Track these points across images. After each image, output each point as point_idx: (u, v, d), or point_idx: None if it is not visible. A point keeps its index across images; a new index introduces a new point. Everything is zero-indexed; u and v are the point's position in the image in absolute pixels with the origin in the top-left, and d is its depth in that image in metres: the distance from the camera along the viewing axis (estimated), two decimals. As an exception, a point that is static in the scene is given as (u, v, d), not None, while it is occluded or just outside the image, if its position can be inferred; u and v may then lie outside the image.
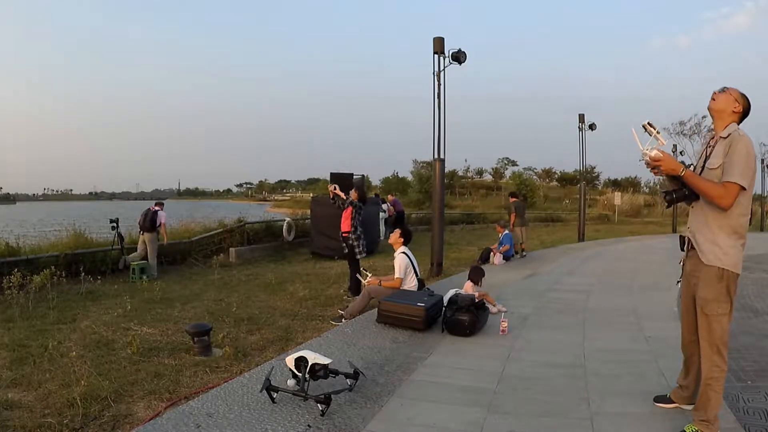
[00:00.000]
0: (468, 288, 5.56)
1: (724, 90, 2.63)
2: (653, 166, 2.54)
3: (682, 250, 2.80)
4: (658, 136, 2.55)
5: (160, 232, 9.77)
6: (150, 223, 9.56)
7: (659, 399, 3.09)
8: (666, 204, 2.72)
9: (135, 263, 9.00)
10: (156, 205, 10.01)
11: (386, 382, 3.51)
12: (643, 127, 2.62)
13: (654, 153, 2.51)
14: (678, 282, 2.85)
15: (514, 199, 11.59)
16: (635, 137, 2.61)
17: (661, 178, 2.68)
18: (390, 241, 6.18)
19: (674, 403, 2.99)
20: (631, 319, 5.55)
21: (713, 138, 2.66)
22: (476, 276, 5.81)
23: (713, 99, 2.64)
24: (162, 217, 9.77)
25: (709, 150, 2.65)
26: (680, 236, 2.81)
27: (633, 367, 3.88)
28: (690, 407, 2.87)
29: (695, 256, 2.65)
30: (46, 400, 3.46)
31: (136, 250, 10.01)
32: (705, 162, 2.62)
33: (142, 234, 9.59)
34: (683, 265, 2.81)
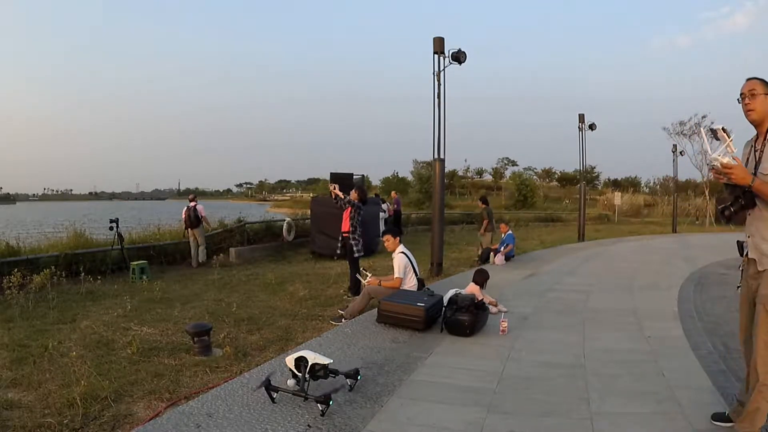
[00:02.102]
0: (473, 290, 5.52)
1: (753, 95, 2.45)
2: (724, 173, 2.38)
3: (741, 255, 2.65)
4: (731, 144, 2.42)
5: (204, 224, 11.02)
6: (195, 219, 10.68)
7: (717, 417, 2.82)
8: (725, 220, 2.61)
9: (135, 263, 9.01)
10: (191, 200, 10.97)
11: (386, 382, 3.51)
12: (714, 131, 2.49)
13: (727, 160, 2.37)
14: (738, 287, 2.70)
15: (484, 206, 11.77)
16: (704, 138, 2.56)
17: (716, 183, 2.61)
18: (388, 249, 6.15)
19: (732, 422, 2.70)
20: (631, 319, 5.55)
21: (758, 140, 2.52)
22: (481, 278, 5.72)
23: (752, 110, 2.46)
24: (201, 210, 10.95)
25: (757, 154, 2.50)
26: (738, 242, 2.70)
27: (633, 367, 3.87)
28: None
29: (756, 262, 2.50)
30: (46, 400, 3.46)
31: (136, 250, 10.06)
32: (756, 168, 2.48)
33: (191, 230, 10.71)
34: (743, 270, 2.65)
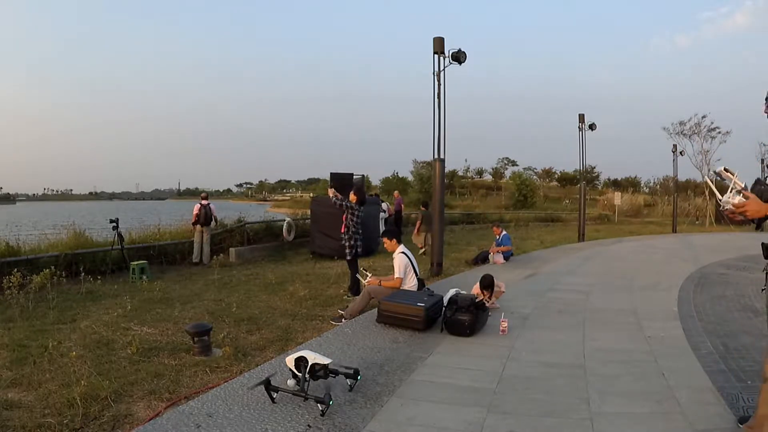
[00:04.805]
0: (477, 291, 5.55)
1: None
2: (738, 213, 2.38)
3: (766, 258, 2.57)
4: (736, 181, 2.41)
5: (214, 223, 11.40)
6: (209, 217, 11.05)
7: (745, 421, 2.75)
8: (756, 226, 2.57)
9: (135, 263, 9.00)
10: (204, 198, 11.27)
11: (386, 382, 3.51)
12: (718, 174, 2.52)
13: (738, 200, 2.37)
14: (763, 289, 2.66)
15: (423, 209, 12.69)
16: (712, 186, 2.60)
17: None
18: (387, 249, 6.17)
19: None
20: (631, 319, 5.55)
21: None
22: (486, 283, 5.67)
23: None
24: (214, 209, 11.35)
25: None
26: (762, 244, 2.59)
27: (633, 367, 3.88)
28: None
29: None
30: (46, 400, 3.46)
31: (136, 250, 10.06)
32: None
33: (201, 227, 10.97)
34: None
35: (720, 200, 2.42)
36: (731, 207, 2.38)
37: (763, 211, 2.31)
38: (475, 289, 5.64)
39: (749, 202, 2.33)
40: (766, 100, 2.43)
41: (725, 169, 2.45)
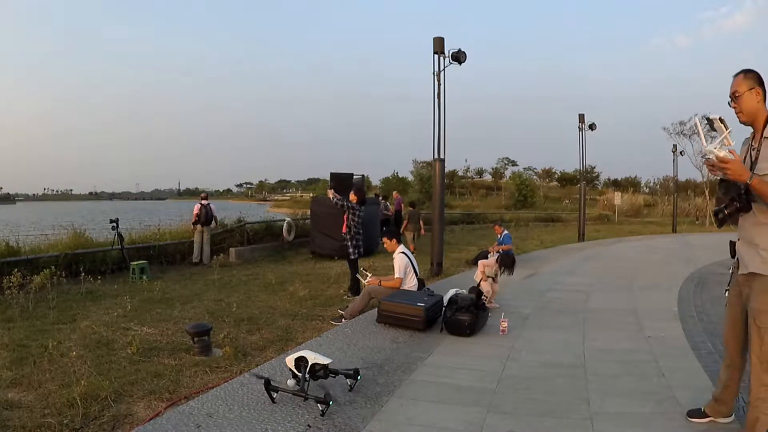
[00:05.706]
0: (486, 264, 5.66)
1: (736, 97, 2.36)
2: (719, 167, 2.23)
3: (733, 257, 2.60)
4: (728, 136, 2.25)
5: (214, 223, 11.48)
6: (209, 217, 11.10)
7: (693, 414, 2.87)
8: (718, 223, 2.45)
9: (135, 263, 9.00)
10: (204, 198, 11.31)
11: (386, 382, 3.51)
12: (711, 121, 2.33)
13: (723, 154, 2.19)
14: (726, 291, 2.64)
15: (410, 208, 13.53)
16: (700, 130, 2.39)
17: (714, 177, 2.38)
18: (387, 250, 6.18)
19: (709, 417, 2.80)
20: (631, 319, 5.55)
21: (755, 138, 2.40)
22: (509, 265, 5.78)
23: (740, 112, 2.37)
24: (214, 209, 11.45)
25: (753, 153, 2.37)
26: (730, 242, 2.60)
27: (633, 367, 3.87)
28: (726, 420, 2.75)
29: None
30: (46, 400, 3.46)
31: (136, 250, 10.06)
32: (752, 167, 2.35)
33: (201, 227, 11.00)
34: (733, 272, 2.61)
35: (704, 147, 2.29)
36: (714, 158, 2.23)
37: (745, 176, 2.21)
38: (487, 264, 5.65)
39: (735, 161, 2.22)
40: (729, 96, 2.39)
41: (720, 120, 2.30)
